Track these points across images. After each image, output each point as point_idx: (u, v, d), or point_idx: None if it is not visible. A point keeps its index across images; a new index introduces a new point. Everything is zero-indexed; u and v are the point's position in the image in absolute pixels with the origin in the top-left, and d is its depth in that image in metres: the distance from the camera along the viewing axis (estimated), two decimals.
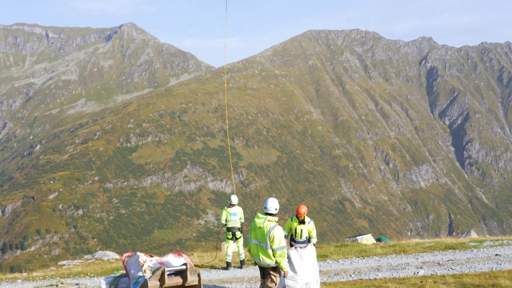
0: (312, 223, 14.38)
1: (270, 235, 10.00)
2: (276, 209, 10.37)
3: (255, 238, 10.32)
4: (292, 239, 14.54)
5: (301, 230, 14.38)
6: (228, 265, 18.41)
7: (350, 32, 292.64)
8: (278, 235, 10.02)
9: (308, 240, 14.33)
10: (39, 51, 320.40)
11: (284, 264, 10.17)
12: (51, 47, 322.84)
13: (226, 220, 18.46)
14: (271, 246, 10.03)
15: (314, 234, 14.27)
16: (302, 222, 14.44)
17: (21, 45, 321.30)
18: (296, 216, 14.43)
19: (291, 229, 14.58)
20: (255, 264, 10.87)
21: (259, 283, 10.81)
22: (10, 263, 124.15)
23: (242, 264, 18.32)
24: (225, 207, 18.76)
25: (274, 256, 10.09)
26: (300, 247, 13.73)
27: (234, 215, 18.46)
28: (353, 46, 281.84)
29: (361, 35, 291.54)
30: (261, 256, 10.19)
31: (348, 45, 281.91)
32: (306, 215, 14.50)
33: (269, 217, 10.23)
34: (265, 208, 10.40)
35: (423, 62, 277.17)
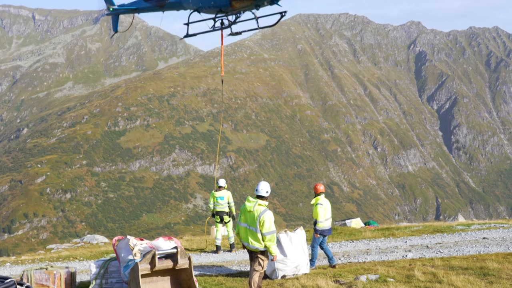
0: (316, 206, 14.05)
1: (260, 219, 9.92)
2: (267, 191, 10.26)
3: (244, 222, 10.24)
4: None
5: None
6: (217, 249, 18.44)
7: (339, 16, 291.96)
8: (269, 220, 9.95)
9: (315, 223, 14.16)
10: (26, 33, 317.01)
11: (274, 249, 10.05)
12: (38, 30, 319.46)
13: (214, 203, 18.47)
14: (260, 231, 9.94)
15: (316, 217, 14.07)
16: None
17: (7, 27, 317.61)
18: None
19: None
20: (244, 247, 10.75)
21: (249, 266, 10.77)
22: None
23: (231, 247, 18.37)
24: (213, 191, 18.76)
25: (264, 241, 9.98)
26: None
27: (221, 199, 18.44)
28: (342, 30, 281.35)
29: (350, 19, 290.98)
30: (250, 239, 10.09)
31: (337, 29, 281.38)
32: (321, 196, 14.19)
33: (259, 201, 10.12)
34: (256, 190, 10.32)
35: (412, 46, 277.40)
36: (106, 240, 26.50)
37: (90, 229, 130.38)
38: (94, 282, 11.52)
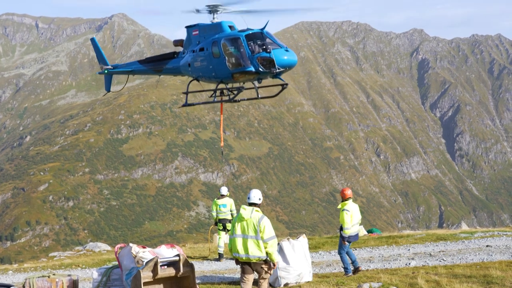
0: (343, 211, 13.87)
1: (261, 225, 9.73)
2: (260, 199, 10.11)
3: (242, 232, 9.89)
4: None
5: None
6: (220, 257, 18.43)
7: (341, 23, 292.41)
8: (269, 225, 9.81)
9: (341, 229, 13.92)
10: (29, 41, 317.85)
11: (275, 255, 9.88)
12: (41, 38, 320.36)
13: (216, 211, 18.48)
14: (261, 237, 9.72)
15: (343, 224, 13.79)
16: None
17: (10, 35, 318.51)
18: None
19: None
20: (237, 262, 10.39)
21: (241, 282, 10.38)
22: (0, 254, 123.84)
23: None
24: (215, 199, 18.78)
25: (265, 247, 9.74)
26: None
27: (224, 207, 18.46)
28: (344, 38, 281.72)
29: (352, 27, 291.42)
30: (250, 249, 9.77)
31: (340, 36, 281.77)
32: (352, 202, 14.14)
33: (255, 208, 9.97)
34: (249, 198, 10.13)
35: (414, 54, 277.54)
36: (109, 248, 26.49)
37: (92, 236, 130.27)
38: None
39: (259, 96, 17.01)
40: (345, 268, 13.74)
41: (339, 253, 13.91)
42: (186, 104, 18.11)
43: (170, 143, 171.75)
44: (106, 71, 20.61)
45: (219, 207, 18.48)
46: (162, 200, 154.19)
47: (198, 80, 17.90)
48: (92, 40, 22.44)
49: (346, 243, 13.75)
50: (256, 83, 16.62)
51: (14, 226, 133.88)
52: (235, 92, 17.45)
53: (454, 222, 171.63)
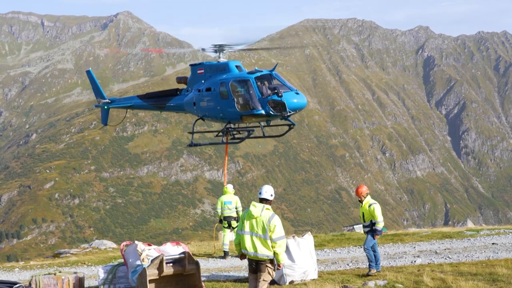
0: (373, 205, 13.42)
1: (271, 225, 9.45)
2: (271, 195, 9.80)
3: (251, 230, 9.62)
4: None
5: (363, 213, 13.66)
6: (225, 254, 18.42)
7: (347, 21, 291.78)
8: (279, 224, 9.52)
9: (373, 224, 13.46)
10: (35, 39, 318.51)
11: (282, 256, 9.59)
12: (47, 36, 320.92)
13: (221, 209, 18.44)
14: (270, 237, 9.44)
15: (377, 218, 13.37)
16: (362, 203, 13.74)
17: (16, 33, 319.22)
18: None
19: (361, 213, 13.90)
20: (241, 257, 10.11)
21: (250, 280, 10.15)
22: (7, 252, 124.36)
23: None
24: (221, 196, 18.77)
25: (273, 247, 9.46)
26: (365, 231, 13.68)
27: (229, 203, 18.42)
28: (350, 35, 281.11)
29: (358, 24, 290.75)
30: (259, 248, 9.51)
31: (345, 34, 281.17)
32: (370, 197, 13.75)
33: (266, 206, 9.66)
34: (260, 193, 9.80)
35: (420, 51, 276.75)
36: (114, 245, 26.52)
37: (98, 234, 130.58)
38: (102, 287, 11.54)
39: (265, 135, 16.89)
40: (377, 264, 13.48)
41: (367, 248, 13.52)
42: (192, 144, 18.00)
43: (176, 141, 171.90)
44: (105, 107, 20.35)
45: (224, 204, 18.46)
46: (167, 198, 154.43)
47: (203, 120, 17.79)
48: (88, 72, 22.11)
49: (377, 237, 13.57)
50: (263, 123, 16.52)
51: (20, 224, 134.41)
52: (242, 133, 17.30)
53: (459, 219, 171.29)
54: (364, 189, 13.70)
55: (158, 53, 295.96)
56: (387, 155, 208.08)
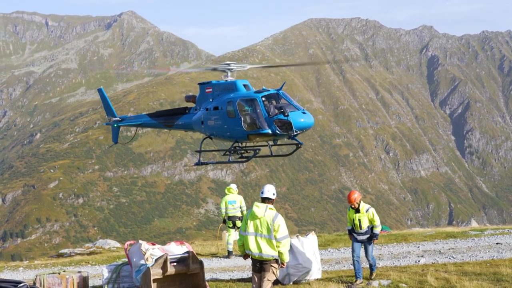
0: (371, 210, 12.97)
1: (275, 224, 9.49)
2: (274, 194, 9.82)
3: (255, 230, 9.64)
4: (353, 232, 13.21)
5: (360, 220, 12.93)
6: (229, 254, 18.46)
7: (350, 20, 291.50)
8: (283, 224, 9.57)
9: (371, 229, 12.99)
10: (39, 39, 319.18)
11: (287, 256, 9.66)
12: (51, 36, 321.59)
13: (226, 208, 18.50)
14: (275, 236, 9.49)
15: (376, 222, 12.93)
16: (358, 211, 13.03)
17: (20, 33, 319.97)
18: (350, 205, 13.20)
19: (351, 221, 13.25)
20: (245, 256, 10.13)
21: (253, 280, 10.13)
22: (11, 251, 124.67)
23: None
24: (224, 196, 18.83)
25: (278, 247, 9.52)
26: (362, 240, 12.99)
27: (233, 203, 18.46)
28: (353, 34, 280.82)
29: (361, 23, 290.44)
30: (264, 248, 9.55)
31: (349, 33, 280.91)
32: (363, 202, 13.17)
33: (269, 205, 9.71)
34: (262, 192, 9.84)
35: (424, 50, 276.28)
36: (118, 244, 26.57)
37: (102, 234, 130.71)
38: (106, 287, 11.58)
39: (272, 154, 16.95)
40: (359, 273, 12.94)
41: (373, 258, 13.19)
42: (199, 163, 18.13)
43: (179, 140, 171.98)
44: (115, 125, 20.54)
45: (229, 203, 18.51)
46: (171, 197, 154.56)
47: (211, 138, 17.93)
48: (100, 90, 22.25)
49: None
50: (270, 142, 16.60)
51: (24, 223, 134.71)
52: (249, 152, 17.39)
53: (463, 219, 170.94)
54: (357, 195, 13.03)
55: (162, 53, 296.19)
56: (391, 154, 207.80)
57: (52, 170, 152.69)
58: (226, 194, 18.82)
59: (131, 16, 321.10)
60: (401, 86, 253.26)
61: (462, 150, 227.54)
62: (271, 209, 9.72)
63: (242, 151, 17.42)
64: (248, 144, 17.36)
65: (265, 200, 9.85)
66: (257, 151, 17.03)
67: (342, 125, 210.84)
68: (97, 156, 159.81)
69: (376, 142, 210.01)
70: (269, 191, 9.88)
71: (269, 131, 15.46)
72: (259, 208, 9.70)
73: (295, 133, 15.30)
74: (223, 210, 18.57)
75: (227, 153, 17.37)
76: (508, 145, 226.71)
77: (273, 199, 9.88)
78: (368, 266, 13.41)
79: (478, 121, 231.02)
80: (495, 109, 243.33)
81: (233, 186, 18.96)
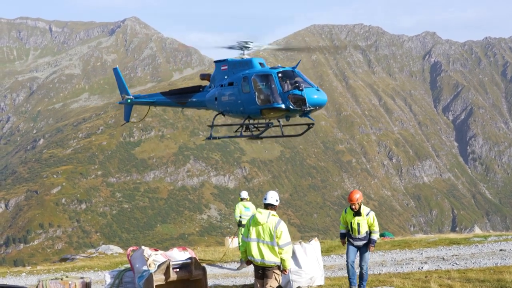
0: (372, 214, 12.00)
1: (277, 231, 9.43)
2: (277, 200, 9.75)
3: (257, 237, 9.58)
4: (348, 236, 12.20)
5: (358, 224, 11.90)
6: (242, 262, 18.03)
7: (353, 27, 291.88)
8: (286, 230, 9.50)
9: (369, 235, 12.03)
10: (43, 45, 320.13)
11: (289, 262, 9.57)
12: (55, 41, 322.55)
13: (240, 215, 18.35)
14: (277, 243, 9.43)
15: (376, 228, 12.01)
16: (357, 213, 11.98)
17: (24, 39, 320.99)
18: (350, 206, 12.09)
19: (346, 224, 12.22)
20: (248, 263, 10.06)
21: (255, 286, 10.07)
22: (14, 256, 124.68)
23: None
24: (239, 203, 18.72)
25: (280, 253, 9.45)
26: (358, 245, 12.10)
27: (248, 210, 18.41)
28: (356, 40, 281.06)
29: (364, 30, 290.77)
30: (266, 255, 9.49)
31: (352, 40, 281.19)
32: (364, 205, 12.15)
33: (272, 212, 9.65)
34: (265, 199, 9.76)
35: (427, 57, 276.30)
36: (121, 250, 26.58)
37: (105, 239, 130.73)
38: None
39: (283, 134, 16.95)
40: (353, 279, 12.23)
41: (366, 266, 12.20)
42: (210, 137, 18.13)
43: (182, 146, 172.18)
44: (128, 101, 20.63)
45: (244, 210, 18.42)
46: (174, 203, 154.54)
47: (224, 115, 17.91)
48: (115, 70, 22.49)
49: None
50: (282, 120, 16.59)
51: (27, 229, 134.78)
52: (261, 128, 17.37)
53: (467, 226, 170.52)
54: (359, 196, 12.03)
55: (165, 59, 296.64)
56: (394, 160, 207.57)
57: (55, 176, 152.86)
58: (240, 201, 18.77)
59: (134, 22, 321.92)
60: (404, 92, 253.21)
61: (465, 156, 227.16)
62: (274, 215, 9.67)
63: (254, 129, 17.45)
64: (260, 121, 17.38)
65: (268, 206, 9.79)
66: (269, 125, 17.03)
67: (345, 131, 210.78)
68: (100, 162, 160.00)
69: (379, 148, 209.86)
70: (272, 197, 9.82)
71: (283, 106, 15.48)
72: (262, 215, 9.65)
73: (308, 109, 15.30)
74: (238, 217, 18.40)
75: (239, 128, 17.41)
76: (511, 151, 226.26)
77: (276, 206, 9.81)
78: (357, 273, 12.37)
79: (481, 127, 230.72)
80: (498, 115, 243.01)
81: (244, 194, 19.04)
